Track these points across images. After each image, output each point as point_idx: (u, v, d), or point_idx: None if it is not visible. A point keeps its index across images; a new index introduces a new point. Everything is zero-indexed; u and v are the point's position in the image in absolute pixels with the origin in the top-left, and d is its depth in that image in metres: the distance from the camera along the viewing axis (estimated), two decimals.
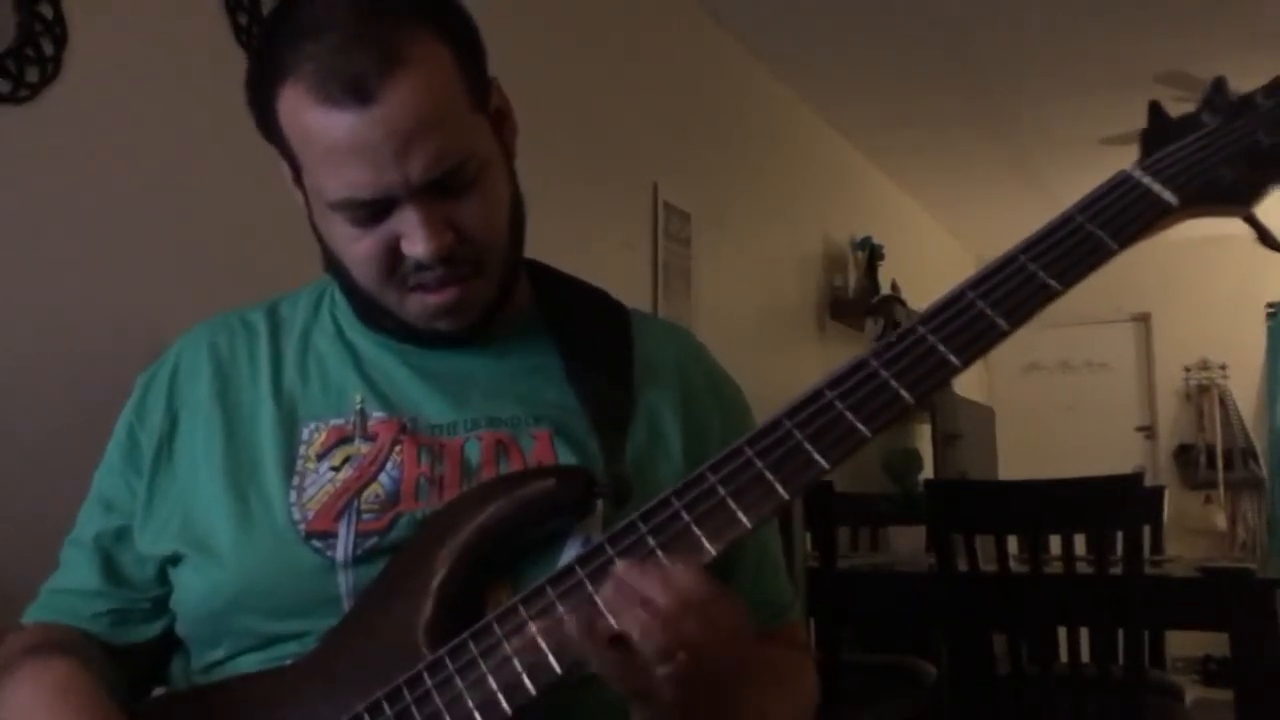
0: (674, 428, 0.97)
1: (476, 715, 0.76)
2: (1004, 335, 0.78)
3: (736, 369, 1.10)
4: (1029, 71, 4.26)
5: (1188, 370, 6.70)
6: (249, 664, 0.89)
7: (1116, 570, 2.45)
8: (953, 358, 0.77)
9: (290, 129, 0.87)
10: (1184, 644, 5.64)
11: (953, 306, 0.79)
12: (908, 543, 4.26)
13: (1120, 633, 2.50)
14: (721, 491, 0.77)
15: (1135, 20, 3.78)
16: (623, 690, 0.75)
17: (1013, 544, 2.79)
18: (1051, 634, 2.63)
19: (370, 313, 0.96)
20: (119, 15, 1.78)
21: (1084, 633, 2.54)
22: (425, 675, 0.78)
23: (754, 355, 3.72)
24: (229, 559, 0.89)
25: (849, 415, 0.77)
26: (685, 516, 0.76)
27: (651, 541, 0.76)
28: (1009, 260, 0.80)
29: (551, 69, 2.81)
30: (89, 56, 1.72)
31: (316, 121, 0.84)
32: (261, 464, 0.93)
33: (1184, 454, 6.62)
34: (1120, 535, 2.46)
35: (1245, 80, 0.87)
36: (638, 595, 0.73)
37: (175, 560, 0.94)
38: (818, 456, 0.76)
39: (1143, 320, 6.87)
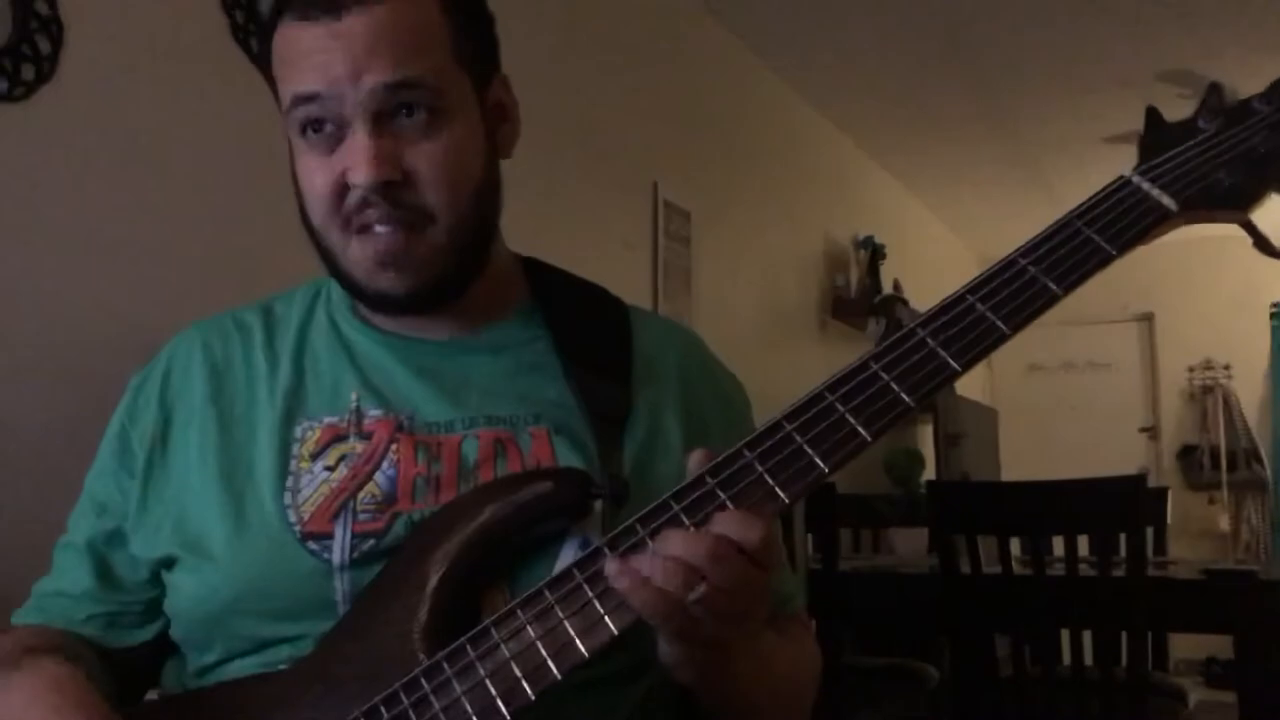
0: (674, 424, 0.96)
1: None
2: (1004, 339, 0.78)
3: (737, 369, 1.09)
4: (1032, 70, 4.25)
5: (1191, 370, 6.69)
6: (243, 667, 0.88)
7: (1119, 572, 2.45)
8: (953, 361, 0.78)
9: (275, 57, 0.90)
10: (1187, 646, 5.63)
11: (953, 310, 0.79)
12: (910, 544, 4.26)
13: (1123, 635, 2.50)
14: (721, 495, 0.76)
15: (1138, 19, 3.78)
16: (663, 628, 0.77)
17: (1015, 545, 2.79)
18: (1054, 636, 2.63)
19: (331, 268, 0.94)
20: (115, 14, 1.77)
21: (1087, 635, 2.53)
22: (422, 680, 0.78)
23: (755, 355, 3.72)
24: (223, 561, 0.89)
25: (850, 418, 0.77)
26: (685, 521, 0.76)
27: (651, 545, 0.76)
28: (1009, 264, 0.80)
29: (551, 69, 2.81)
30: (85, 55, 1.71)
31: (291, 34, 0.88)
32: (256, 465, 0.92)
33: (1187, 455, 6.62)
34: (1123, 537, 2.46)
35: (1248, 78, 0.86)
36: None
37: (169, 563, 0.93)
38: (818, 460, 0.76)
39: (1146, 320, 6.87)
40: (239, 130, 1.89)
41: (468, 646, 0.77)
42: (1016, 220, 5.27)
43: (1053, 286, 0.79)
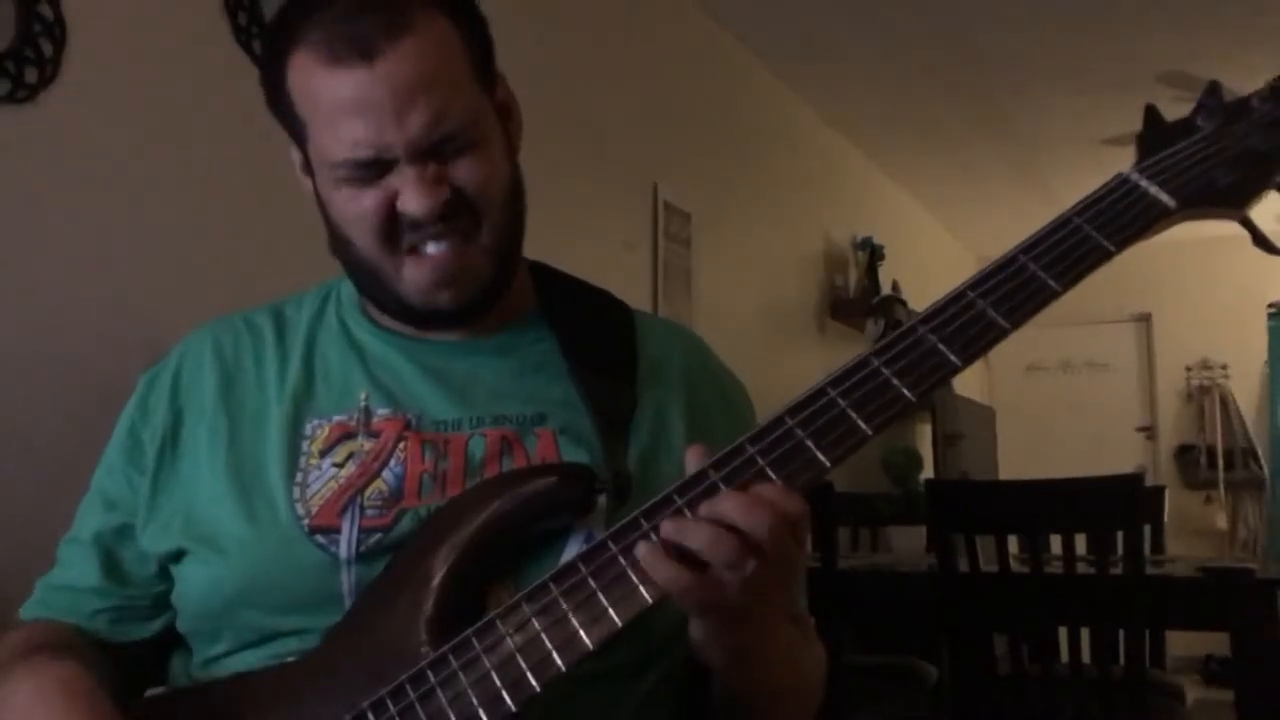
0: (678, 424, 0.97)
1: (480, 712, 0.76)
2: (1004, 334, 0.79)
3: (737, 369, 1.10)
4: (1030, 71, 4.26)
5: (1189, 370, 6.71)
6: (249, 659, 0.89)
7: (1117, 570, 2.45)
8: (953, 356, 0.78)
9: (299, 94, 0.90)
10: (1185, 644, 5.63)
11: (953, 306, 0.80)
12: (908, 543, 4.26)
13: (1121, 633, 2.51)
14: (723, 489, 0.77)
15: (1136, 20, 3.79)
16: (691, 606, 0.77)
17: (1013, 544, 2.80)
18: (1052, 634, 2.63)
19: (375, 291, 0.96)
20: (118, 16, 1.78)
21: (1085, 633, 2.54)
22: (428, 673, 0.78)
23: (754, 355, 3.72)
24: (233, 553, 0.90)
25: (851, 413, 0.77)
26: (688, 514, 0.77)
27: (654, 538, 0.76)
28: (1009, 261, 0.81)
29: (551, 69, 2.81)
30: (88, 57, 1.72)
31: (323, 81, 0.87)
32: (265, 461, 0.93)
33: (1185, 454, 6.63)
34: (1121, 535, 2.46)
35: (1246, 79, 0.87)
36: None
37: (178, 556, 0.94)
38: (819, 454, 0.77)
39: (1144, 320, 6.88)
40: (241, 131, 1.89)
41: (473, 639, 0.78)
42: (1015, 221, 5.25)
43: (1052, 283, 0.79)
